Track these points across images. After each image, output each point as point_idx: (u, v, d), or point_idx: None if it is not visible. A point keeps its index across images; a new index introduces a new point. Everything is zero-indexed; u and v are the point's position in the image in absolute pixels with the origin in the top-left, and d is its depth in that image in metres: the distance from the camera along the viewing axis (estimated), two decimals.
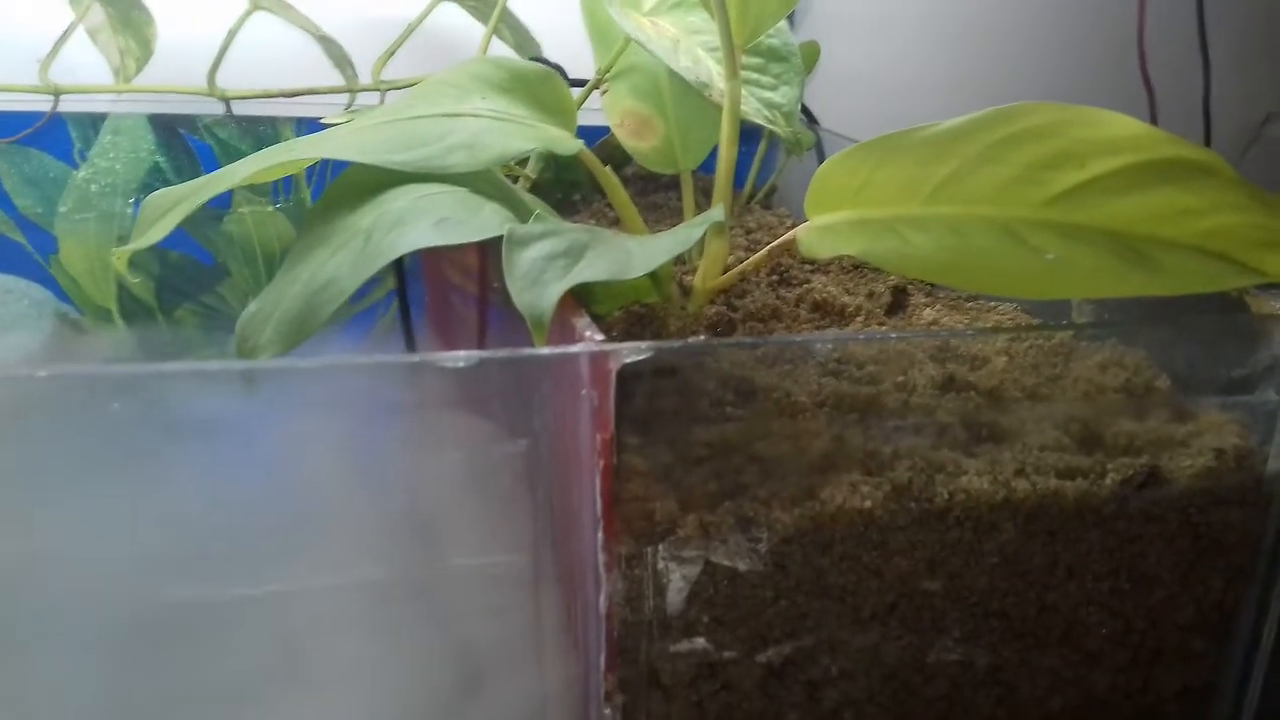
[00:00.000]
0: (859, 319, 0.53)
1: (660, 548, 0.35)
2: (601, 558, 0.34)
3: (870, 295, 0.56)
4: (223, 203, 0.73)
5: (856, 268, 0.61)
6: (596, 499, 0.33)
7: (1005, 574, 0.38)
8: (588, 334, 0.35)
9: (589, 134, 0.53)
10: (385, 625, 0.33)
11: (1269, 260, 0.39)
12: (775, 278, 0.58)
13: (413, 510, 0.33)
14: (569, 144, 0.49)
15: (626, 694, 0.36)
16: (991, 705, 0.40)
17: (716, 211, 0.44)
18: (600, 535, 0.34)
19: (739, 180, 0.79)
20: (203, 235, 0.73)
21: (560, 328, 0.39)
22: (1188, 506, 0.39)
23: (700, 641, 0.36)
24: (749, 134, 0.82)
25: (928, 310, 0.55)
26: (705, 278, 0.49)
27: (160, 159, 0.73)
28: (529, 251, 0.38)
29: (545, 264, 0.37)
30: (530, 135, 0.48)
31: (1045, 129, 0.41)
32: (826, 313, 0.54)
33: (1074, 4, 0.91)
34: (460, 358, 0.30)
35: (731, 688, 0.37)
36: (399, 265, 0.58)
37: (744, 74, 0.56)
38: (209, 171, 0.73)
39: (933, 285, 0.58)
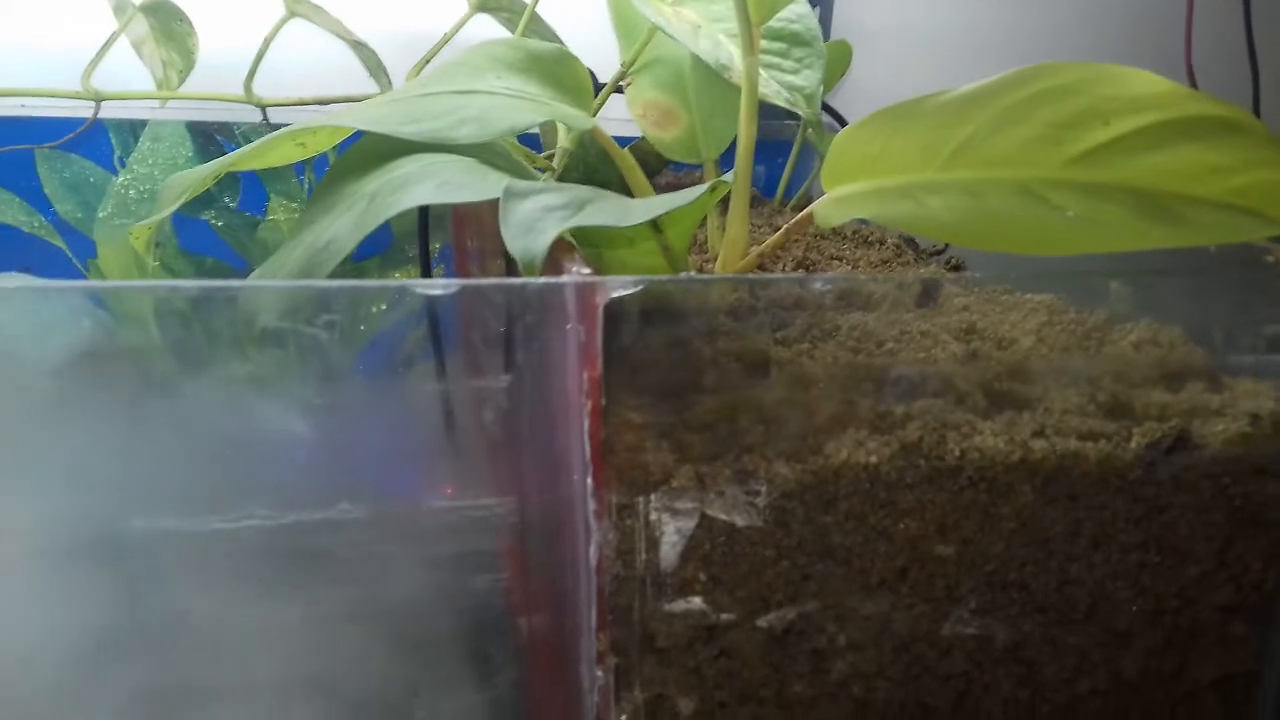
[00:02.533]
0: (885, 306, 0.52)
1: (653, 498, 0.33)
2: (591, 505, 0.33)
3: (900, 286, 0.55)
4: (258, 209, 0.74)
5: (886, 261, 0.60)
6: (585, 442, 0.32)
7: (1024, 541, 0.36)
8: (575, 268, 0.34)
9: (621, 141, 0.52)
10: (361, 565, 0.32)
11: None
12: (802, 271, 0.57)
13: (390, 447, 0.32)
14: (583, 121, 0.49)
15: (619, 656, 0.35)
16: (1012, 685, 0.38)
17: (727, 176, 0.43)
18: (589, 481, 0.32)
19: (769, 190, 0.78)
20: (238, 241, 0.74)
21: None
22: (1221, 475, 0.37)
23: (697, 601, 0.34)
24: (780, 145, 0.81)
25: (959, 299, 0.53)
26: (725, 263, 0.48)
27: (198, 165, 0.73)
28: (527, 203, 0.37)
29: (543, 214, 0.36)
30: (543, 111, 0.48)
31: (1068, 88, 0.40)
32: (853, 301, 0.52)
33: (1118, 17, 0.90)
34: (439, 284, 0.30)
35: (731, 654, 0.35)
36: (423, 229, 0.57)
37: (766, 58, 0.55)
38: (245, 179, 0.74)
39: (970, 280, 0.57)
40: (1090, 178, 0.39)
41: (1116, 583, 0.37)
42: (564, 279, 0.31)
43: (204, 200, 0.73)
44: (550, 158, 0.63)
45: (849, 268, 0.57)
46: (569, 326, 0.31)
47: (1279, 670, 0.40)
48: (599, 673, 0.34)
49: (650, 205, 0.38)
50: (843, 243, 0.63)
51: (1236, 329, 0.41)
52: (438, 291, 0.29)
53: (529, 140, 0.66)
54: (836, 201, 0.43)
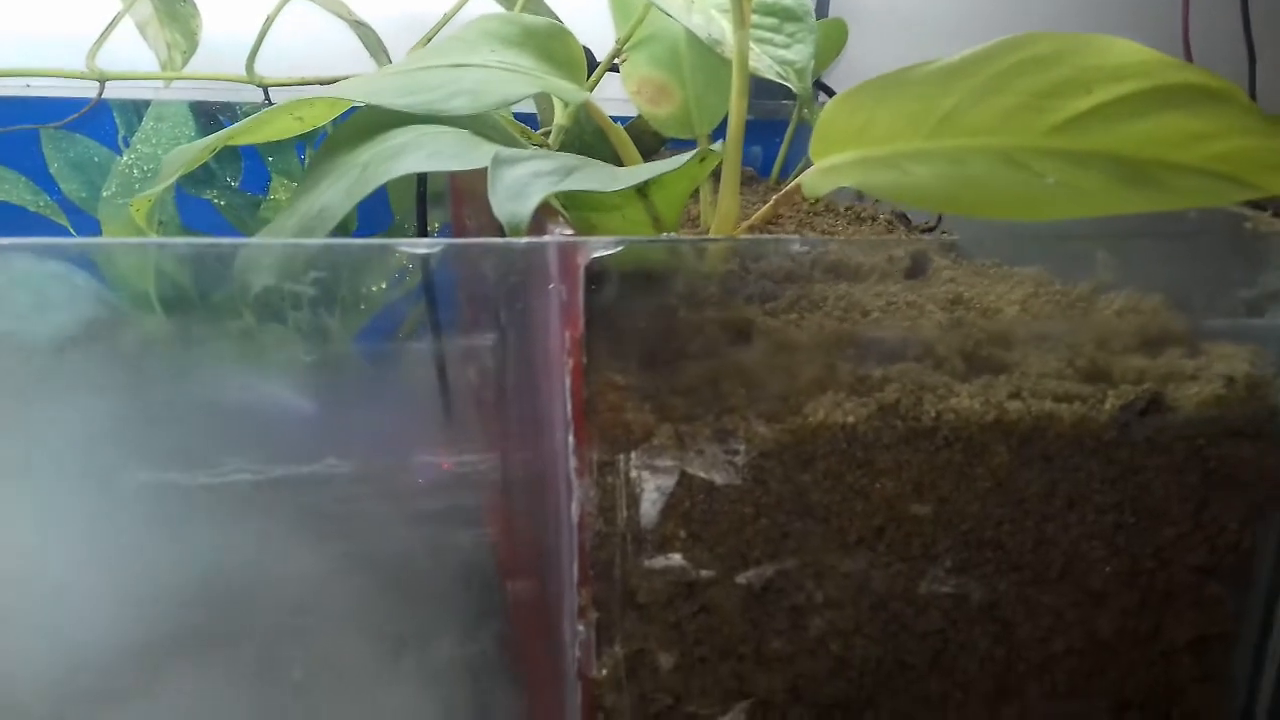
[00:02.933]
0: (873, 279, 0.53)
1: (633, 455, 0.34)
2: (572, 463, 0.33)
3: (890, 259, 0.55)
4: (260, 189, 0.75)
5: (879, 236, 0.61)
6: (567, 400, 0.33)
7: (999, 500, 0.37)
8: (558, 230, 0.35)
9: (618, 120, 0.54)
10: (348, 520, 0.33)
11: None
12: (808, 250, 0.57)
13: (375, 403, 0.33)
14: (575, 94, 0.49)
15: (601, 611, 0.35)
16: (989, 643, 0.38)
17: (716, 146, 0.44)
18: (571, 439, 0.33)
19: (766, 169, 0.79)
20: (240, 220, 0.75)
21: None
22: (1195, 437, 0.38)
23: (677, 558, 0.35)
24: (778, 125, 0.82)
25: (947, 272, 0.54)
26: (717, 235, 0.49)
27: None
28: (515, 170, 0.37)
29: (530, 179, 0.37)
30: (535, 84, 0.48)
31: (1050, 57, 0.40)
32: (841, 274, 0.53)
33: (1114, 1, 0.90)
34: (423, 243, 0.30)
35: (711, 610, 0.36)
36: (421, 201, 0.58)
37: (758, 33, 0.56)
38: (247, 159, 0.75)
39: (956, 254, 0.57)
40: (1071, 145, 0.39)
41: (1092, 543, 0.38)
42: (546, 239, 0.32)
43: (206, 179, 0.74)
44: (547, 134, 0.63)
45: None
46: (551, 286, 0.32)
47: (1255, 631, 0.41)
48: (580, 627, 0.35)
49: (636, 171, 0.39)
50: (835, 219, 0.63)
51: (1216, 294, 0.41)
52: (423, 250, 0.30)
53: (529, 120, 0.67)
54: (824, 172, 0.43)
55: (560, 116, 0.62)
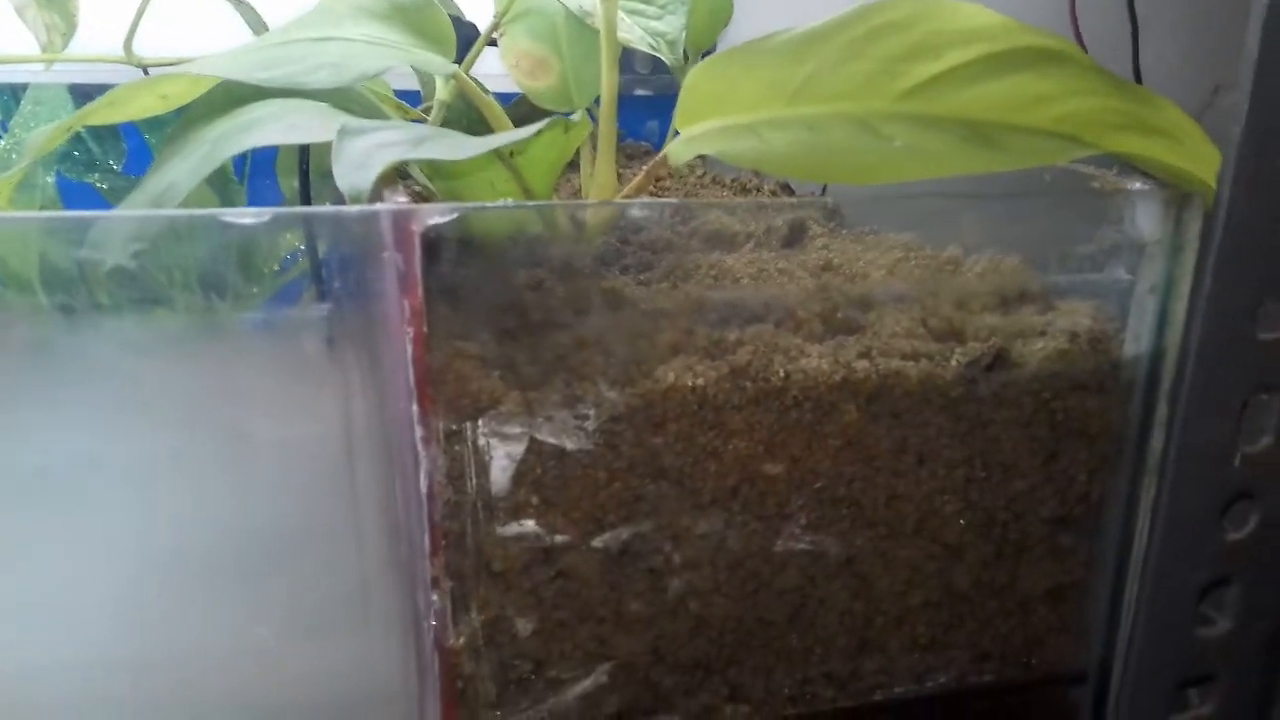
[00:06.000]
0: (748, 247, 0.53)
1: (480, 423, 0.34)
2: (419, 432, 0.33)
3: (768, 230, 0.56)
4: (140, 170, 0.73)
5: (762, 207, 0.61)
6: (410, 369, 0.33)
7: (850, 458, 0.37)
8: (395, 198, 0.35)
9: (504, 99, 0.54)
10: (187, 497, 0.32)
11: (1122, 141, 0.39)
12: (678, 218, 0.57)
13: (211, 376, 0.32)
14: (444, 67, 0.49)
15: (455, 580, 0.35)
16: (848, 598, 0.39)
17: (576, 115, 0.44)
18: (415, 408, 0.33)
19: (658, 144, 0.79)
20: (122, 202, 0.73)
21: None
22: (1041, 391, 0.38)
23: (530, 524, 0.35)
24: (670, 100, 0.82)
25: (821, 240, 0.54)
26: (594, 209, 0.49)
27: (81, 128, 0.73)
28: (360, 141, 0.37)
29: (375, 150, 0.37)
30: (401, 57, 0.48)
31: (902, 23, 0.41)
32: (718, 243, 0.53)
33: None
34: (250, 213, 0.30)
35: (569, 575, 0.36)
36: (304, 175, 0.57)
37: (630, 4, 0.56)
38: (129, 139, 0.73)
39: (835, 222, 0.58)
40: (921, 109, 0.40)
41: (945, 497, 0.39)
42: (379, 207, 0.32)
43: (88, 164, 0.72)
44: (429, 111, 0.63)
45: (725, 214, 0.58)
46: (385, 254, 0.32)
47: (1108, 580, 0.42)
48: (434, 597, 0.35)
49: (488, 140, 0.39)
50: (721, 190, 0.64)
51: (1066, 252, 0.42)
52: (249, 221, 0.30)
53: (412, 97, 0.66)
54: (687, 140, 0.44)
55: (441, 91, 0.62)
